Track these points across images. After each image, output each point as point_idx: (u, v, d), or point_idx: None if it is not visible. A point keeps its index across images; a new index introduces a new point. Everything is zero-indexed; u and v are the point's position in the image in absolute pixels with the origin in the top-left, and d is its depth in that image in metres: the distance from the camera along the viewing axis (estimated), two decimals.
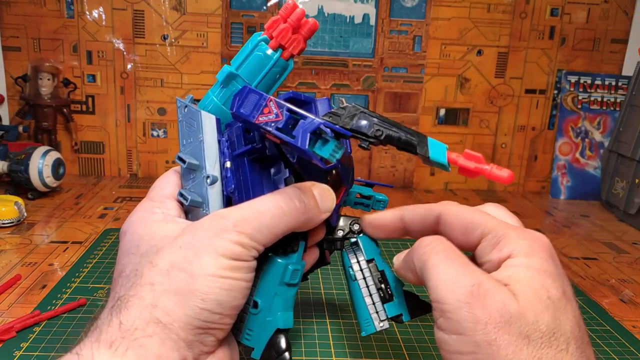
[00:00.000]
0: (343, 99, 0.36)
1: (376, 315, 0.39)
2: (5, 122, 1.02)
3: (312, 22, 0.37)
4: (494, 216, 0.35)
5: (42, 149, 0.88)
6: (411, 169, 1.10)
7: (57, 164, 0.89)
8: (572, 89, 1.09)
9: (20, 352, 0.48)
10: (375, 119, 0.33)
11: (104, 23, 1.01)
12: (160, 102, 1.05)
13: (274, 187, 0.37)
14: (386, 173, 1.10)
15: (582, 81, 1.08)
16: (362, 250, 0.40)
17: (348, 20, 1.03)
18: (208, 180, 0.36)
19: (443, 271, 0.31)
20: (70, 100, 1.02)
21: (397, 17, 1.04)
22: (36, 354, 0.48)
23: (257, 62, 0.37)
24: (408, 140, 0.33)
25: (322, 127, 0.31)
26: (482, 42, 1.06)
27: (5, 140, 0.93)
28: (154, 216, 0.35)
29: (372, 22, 1.04)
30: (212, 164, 0.36)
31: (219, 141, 0.37)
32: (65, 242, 0.73)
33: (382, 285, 0.40)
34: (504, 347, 0.28)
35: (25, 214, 0.80)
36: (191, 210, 0.37)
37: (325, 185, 0.36)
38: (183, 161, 0.37)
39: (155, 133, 1.06)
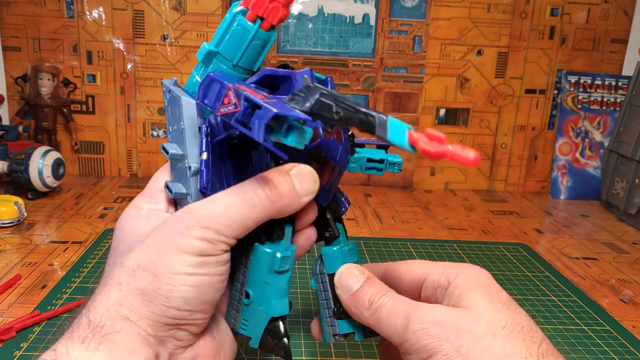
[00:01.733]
0: (307, 77, 0.35)
1: (329, 328, 0.38)
2: (5, 122, 1.02)
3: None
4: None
5: (42, 149, 0.88)
6: (411, 169, 1.10)
7: (57, 164, 0.89)
8: (572, 89, 1.09)
9: (20, 352, 0.48)
10: (335, 100, 0.31)
11: (104, 23, 1.01)
12: (160, 102, 1.05)
13: (255, 173, 0.35)
14: (386, 173, 1.10)
15: (582, 81, 1.08)
16: (323, 263, 0.38)
17: (348, 20, 1.03)
18: (190, 171, 0.35)
19: (395, 318, 0.33)
20: (70, 100, 1.02)
21: (397, 17, 1.04)
22: (36, 353, 0.48)
23: (236, 36, 0.35)
24: (367, 121, 0.30)
25: (280, 115, 0.28)
26: (482, 42, 1.06)
27: (5, 140, 0.93)
28: (140, 212, 0.35)
29: (372, 22, 1.04)
30: (193, 153, 0.35)
31: (199, 128, 0.35)
32: (65, 242, 0.73)
33: (338, 303, 0.37)
34: (473, 349, 0.30)
35: (25, 214, 0.80)
36: (178, 202, 0.37)
37: (305, 166, 0.34)
38: (167, 151, 0.36)
39: (155, 133, 1.06)
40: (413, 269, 0.37)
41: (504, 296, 0.34)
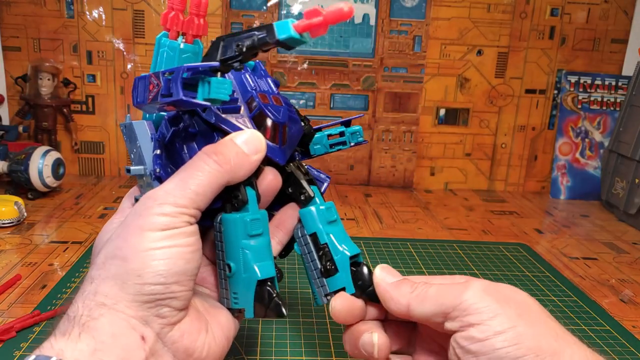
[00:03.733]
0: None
1: (320, 290, 0.39)
2: (5, 122, 1.02)
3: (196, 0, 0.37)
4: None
5: (42, 149, 0.88)
6: (411, 168, 1.10)
7: (57, 164, 0.89)
8: (572, 89, 1.09)
9: (20, 352, 0.48)
10: (233, 37, 0.33)
11: (104, 23, 1.01)
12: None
13: None
14: (386, 173, 1.10)
15: (582, 81, 1.08)
16: (303, 225, 0.39)
17: (348, 20, 1.03)
18: (152, 177, 0.37)
19: (441, 287, 0.33)
20: (70, 100, 1.02)
21: (397, 17, 1.04)
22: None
23: (166, 57, 0.37)
24: (261, 38, 0.32)
25: (185, 71, 0.30)
26: (482, 42, 1.06)
27: (5, 140, 0.93)
28: (111, 226, 0.37)
29: (372, 22, 1.04)
30: (151, 162, 0.37)
31: (151, 137, 0.38)
32: (65, 242, 0.73)
33: (322, 261, 0.38)
34: (533, 319, 0.31)
35: (25, 214, 0.80)
36: None
37: (249, 130, 0.35)
38: (129, 171, 0.38)
39: None
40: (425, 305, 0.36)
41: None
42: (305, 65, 1.04)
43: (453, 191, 1.11)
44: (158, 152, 0.37)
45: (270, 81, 0.40)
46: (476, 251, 0.77)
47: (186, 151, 0.37)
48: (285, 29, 0.31)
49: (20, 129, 0.98)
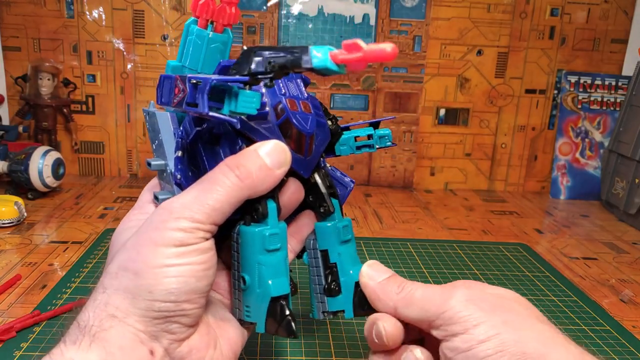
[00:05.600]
0: (244, 47, 0.35)
1: (319, 305, 0.38)
2: (5, 122, 1.02)
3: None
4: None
5: (42, 149, 0.88)
6: (411, 169, 1.10)
7: (57, 164, 0.89)
8: (572, 89, 1.09)
9: (20, 352, 0.48)
10: (266, 52, 0.31)
11: (104, 23, 1.01)
12: None
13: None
14: (386, 173, 1.10)
15: (582, 81, 1.08)
16: (316, 238, 0.38)
17: (348, 20, 1.03)
18: (172, 178, 0.36)
19: (433, 294, 0.33)
20: (70, 100, 1.02)
21: (397, 17, 1.04)
22: (36, 353, 0.48)
23: (193, 45, 0.36)
24: (294, 59, 0.30)
25: (215, 84, 0.29)
26: (482, 42, 1.06)
27: (5, 140, 0.93)
28: (129, 224, 0.36)
29: (372, 22, 1.04)
30: (171, 161, 0.36)
31: (174, 133, 0.36)
32: (65, 242, 0.73)
33: (328, 280, 0.38)
34: (520, 324, 0.31)
35: (25, 214, 0.80)
36: None
37: (273, 140, 0.34)
38: (150, 164, 0.37)
39: None
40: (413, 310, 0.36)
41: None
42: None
43: (453, 191, 1.11)
44: (179, 154, 0.36)
45: (300, 82, 0.38)
46: (476, 251, 0.77)
47: (209, 155, 0.35)
48: (323, 57, 0.30)
49: (20, 129, 0.98)
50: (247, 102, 0.30)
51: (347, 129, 0.42)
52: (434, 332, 0.32)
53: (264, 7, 1.02)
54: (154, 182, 0.40)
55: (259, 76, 0.31)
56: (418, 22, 1.04)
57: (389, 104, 1.08)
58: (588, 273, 0.73)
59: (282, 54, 0.31)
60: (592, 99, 1.09)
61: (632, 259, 0.79)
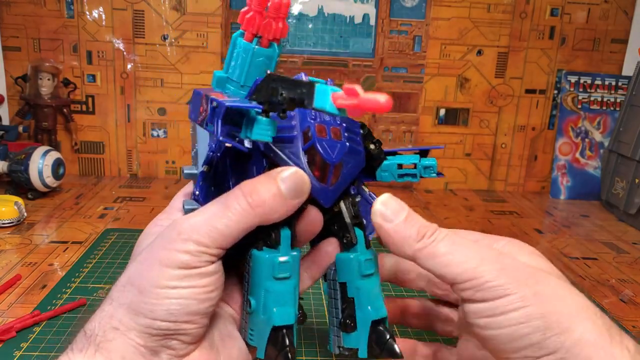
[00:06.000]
0: (268, 70, 0.34)
1: (335, 338, 0.37)
2: (5, 122, 1.02)
3: (277, 1, 0.35)
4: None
5: (42, 149, 0.88)
6: None
7: (57, 164, 0.89)
8: (572, 89, 1.09)
9: (20, 352, 0.48)
10: (282, 82, 0.31)
11: (104, 23, 1.01)
12: (160, 102, 1.05)
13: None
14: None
15: (582, 81, 1.08)
16: (336, 270, 0.37)
17: (348, 20, 1.03)
18: (193, 196, 0.36)
19: (466, 252, 0.32)
20: (70, 100, 1.02)
21: (397, 17, 1.04)
22: (36, 354, 0.48)
23: (239, 58, 0.36)
24: (300, 98, 0.30)
25: (228, 109, 0.29)
26: (482, 42, 1.06)
27: (5, 140, 0.93)
28: (155, 229, 0.36)
29: (372, 22, 1.04)
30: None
31: (209, 146, 0.36)
32: (65, 242, 0.73)
33: (344, 314, 0.36)
34: (550, 297, 0.30)
35: (25, 214, 0.80)
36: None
37: (293, 168, 0.32)
38: (183, 171, 0.37)
39: (155, 133, 1.06)
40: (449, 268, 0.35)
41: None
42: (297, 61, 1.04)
43: (453, 191, 1.11)
44: (205, 168, 0.35)
45: None
46: None
47: (236, 172, 0.35)
48: (325, 98, 0.29)
49: (20, 129, 0.98)
50: (262, 129, 0.30)
51: (393, 153, 0.40)
52: (458, 290, 0.31)
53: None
54: (188, 189, 0.39)
55: (273, 107, 0.31)
56: (418, 22, 1.04)
57: None
58: (588, 273, 0.73)
59: (292, 86, 0.30)
60: (592, 99, 1.09)
61: (632, 259, 0.79)
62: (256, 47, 0.36)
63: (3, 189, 0.91)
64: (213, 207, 0.32)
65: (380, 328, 0.36)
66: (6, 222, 0.77)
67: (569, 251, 0.81)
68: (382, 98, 0.27)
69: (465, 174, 1.12)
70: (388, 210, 0.33)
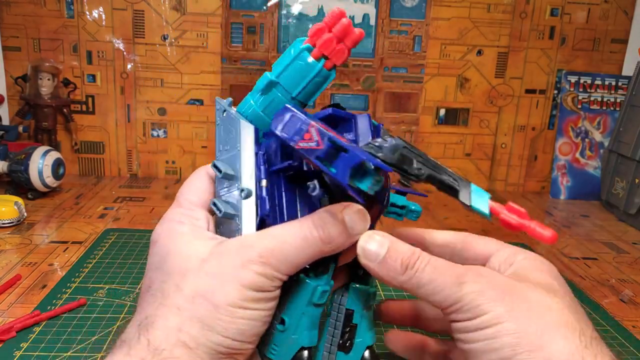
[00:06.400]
0: (385, 128, 0.37)
1: (328, 355, 0.39)
2: (5, 122, 1.02)
3: (357, 33, 0.36)
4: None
5: (42, 149, 0.88)
6: None
7: (57, 164, 0.89)
8: (572, 89, 1.09)
9: (20, 352, 0.48)
10: (417, 157, 0.33)
11: (104, 23, 1.01)
12: (160, 102, 1.05)
13: (307, 207, 0.36)
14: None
15: (582, 81, 1.08)
16: (347, 298, 0.39)
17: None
18: (242, 194, 0.35)
19: (442, 280, 0.33)
20: (70, 100, 1.02)
21: (397, 17, 1.04)
22: (36, 354, 0.48)
23: (298, 71, 0.36)
24: (450, 185, 0.34)
25: (364, 162, 0.30)
26: (482, 42, 1.06)
27: (5, 140, 0.93)
28: (182, 228, 0.35)
29: (372, 22, 1.04)
30: (248, 177, 0.36)
31: (256, 153, 0.36)
32: (65, 242, 0.73)
33: (345, 337, 0.39)
34: (524, 314, 0.31)
35: (25, 214, 0.80)
36: (223, 221, 0.37)
37: (358, 206, 0.34)
38: (219, 170, 0.36)
39: (155, 133, 1.06)
40: (476, 247, 0.39)
41: (570, 295, 0.34)
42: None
43: None
44: (265, 183, 0.36)
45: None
46: None
47: (289, 192, 0.36)
48: (483, 202, 0.32)
49: (20, 129, 0.98)
50: (374, 184, 0.31)
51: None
52: (443, 312, 0.33)
53: (264, 7, 1.02)
54: (199, 183, 0.38)
55: (402, 173, 0.33)
56: (418, 22, 1.04)
57: (389, 104, 1.08)
58: (588, 273, 0.73)
59: (433, 167, 0.33)
60: (592, 99, 1.09)
61: (632, 259, 0.79)
62: (322, 68, 0.36)
63: (3, 189, 0.91)
64: (287, 235, 0.33)
65: (373, 351, 0.39)
66: (6, 222, 0.77)
67: (569, 251, 0.81)
68: (548, 234, 0.30)
69: (465, 174, 1.12)
70: (371, 249, 0.34)
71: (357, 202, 0.34)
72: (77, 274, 0.63)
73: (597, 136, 1.09)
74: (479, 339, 0.31)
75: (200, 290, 0.32)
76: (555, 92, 1.10)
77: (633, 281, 0.71)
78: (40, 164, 0.86)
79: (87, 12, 1.00)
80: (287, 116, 0.33)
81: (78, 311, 0.55)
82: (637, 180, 0.94)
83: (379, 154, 0.32)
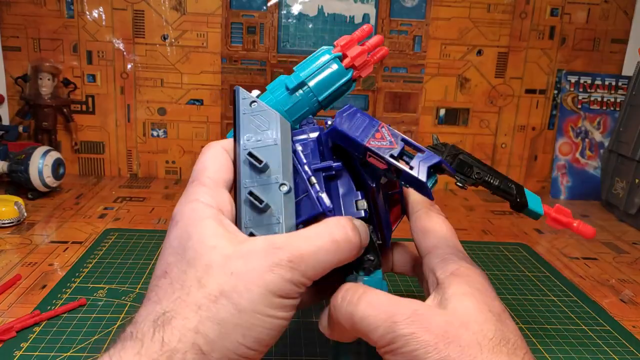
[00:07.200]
0: (436, 135, 0.39)
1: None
2: (5, 122, 1.02)
3: (384, 51, 0.39)
4: (444, 232, 0.38)
5: (42, 149, 0.88)
6: None
7: (57, 164, 0.89)
8: (572, 89, 1.09)
9: (20, 352, 0.48)
10: (474, 162, 0.37)
11: (104, 23, 1.01)
12: (160, 102, 1.05)
13: (341, 209, 0.36)
14: None
15: (582, 81, 1.08)
16: None
17: (348, 20, 1.03)
18: (283, 188, 0.34)
19: (372, 310, 0.31)
20: (70, 100, 1.02)
21: (397, 17, 1.04)
22: (36, 354, 0.48)
23: (329, 77, 0.38)
24: (506, 189, 0.37)
25: (441, 163, 0.33)
26: (482, 42, 1.06)
27: (5, 140, 0.93)
28: (207, 211, 0.32)
29: (372, 22, 1.04)
30: (286, 172, 0.35)
31: (294, 151, 0.36)
32: (65, 242, 0.73)
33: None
34: (459, 358, 0.29)
35: (25, 214, 0.80)
36: (253, 211, 0.35)
37: (360, 220, 0.35)
38: (259, 160, 0.35)
39: (155, 133, 1.06)
40: (425, 238, 0.38)
41: (497, 305, 0.32)
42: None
43: (453, 191, 1.11)
44: (314, 180, 0.36)
45: None
46: (476, 251, 0.77)
47: (327, 192, 0.36)
48: (537, 204, 0.37)
49: (20, 129, 0.98)
50: (433, 185, 0.34)
51: None
52: (378, 348, 0.32)
53: (264, 7, 1.02)
54: (223, 162, 0.36)
55: (462, 176, 0.37)
56: (418, 22, 1.04)
57: (389, 104, 1.08)
58: (588, 273, 0.73)
59: (491, 173, 0.37)
60: (592, 99, 1.09)
61: (632, 259, 0.79)
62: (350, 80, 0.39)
63: (3, 189, 0.91)
64: (320, 239, 0.31)
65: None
66: (6, 222, 0.77)
67: (569, 251, 0.81)
68: (590, 231, 0.38)
69: None
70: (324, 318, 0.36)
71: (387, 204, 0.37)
72: (77, 274, 0.63)
73: (597, 136, 1.09)
74: None
75: (224, 290, 0.29)
76: (555, 92, 1.10)
77: (633, 281, 0.71)
78: (40, 164, 0.86)
79: (87, 12, 1.00)
80: (356, 115, 0.35)
81: (78, 311, 0.55)
82: (637, 180, 0.94)
83: (447, 157, 0.36)
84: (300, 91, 0.38)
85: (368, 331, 0.31)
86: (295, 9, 1.02)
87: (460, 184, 0.36)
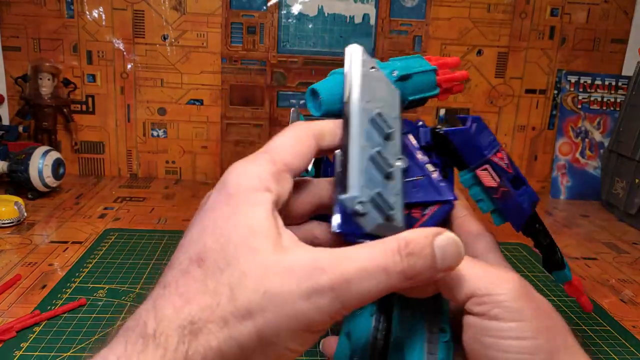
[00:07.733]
0: (444, 111, 0.40)
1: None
2: (5, 122, 1.02)
3: (461, 87, 0.41)
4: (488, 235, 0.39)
5: (42, 149, 0.88)
6: None
7: (57, 164, 0.89)
8: (572, 89, 1.09)
9: (20, 352, 0.48)
10: (542, 228, 0.44)
11: (104, 23, 1.01)
12: (160, 102, 1.05)
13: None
14: None
15: (582, 81, 1.08)
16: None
17: (348, 20, 1.03)
18: (401, 163, 0.30)
19: (485, 268, 0.32)
20: (70, 100, 1.02)
21: (397, 17, 1.04)
22: (36, 354, 0.48)
23: (425, 84, 0.38)
24: (553, 247, 0.45)
25: (536, 202, 0.38)
26: (482, 42, 1.06)
27: (5, 140, 0.93)
28: (263, 196, 0.28)
29: (372, 22, 1.04)
30: (403, 149, 0.31)
31: (404, 133, 0.33)
32: (65, 242, 0.73)
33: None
34: (559, 333, 0.30)
35: (25, 214, 0.80)
36: (383, 173, 0.29)
37: (451, 234, 0.27)
38: (389, 126, 0.30)
39: (155, 133, 1.06)
40: (477, 241, 0.40)
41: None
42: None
43: None
44: (436, 174, 0.34)
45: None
46: None
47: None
48: (568, 271, 0.46)
49: (20, 129, 0.98)
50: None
51: None
52: (470, 305, 0.29)
53: (264, 7, 1.02)
54: (306, 150, 0.30)
55: (536, 235, 0.45)
56: (418, 22, 1.04)
57: None
58: (588, 273, 0.73)
59: (551, 245, 0.47)
60: (592, 99, 1.09)
61: (632, 259, 0.79)
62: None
63: (3, 189, 0.91)
64: (368, 263, 0.26)
65: None
66: (6, 222, 0.77)
67: (569, 251, 0.81)
68: (590, 307, 0.48)
69: None
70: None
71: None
72: (77, 274, 0.63)
73: (597, 136, 1.09)
74: (511, 350, 0.28)
75: (252, 310, 0.25)
76: (555, 92, 1.10)
77: (633, 281, 0.71)
78: (40, 164, 0.86)
79: (87, 12, 1.00)
80: (486, 128, 0.37)
81: (78, 311, 0.55)
82: (637, 180, 0.94)
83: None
84: (402, 83, 0.35)
85: (470, 295, 0.29)
86: (295, 9, 1.02)
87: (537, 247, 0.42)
